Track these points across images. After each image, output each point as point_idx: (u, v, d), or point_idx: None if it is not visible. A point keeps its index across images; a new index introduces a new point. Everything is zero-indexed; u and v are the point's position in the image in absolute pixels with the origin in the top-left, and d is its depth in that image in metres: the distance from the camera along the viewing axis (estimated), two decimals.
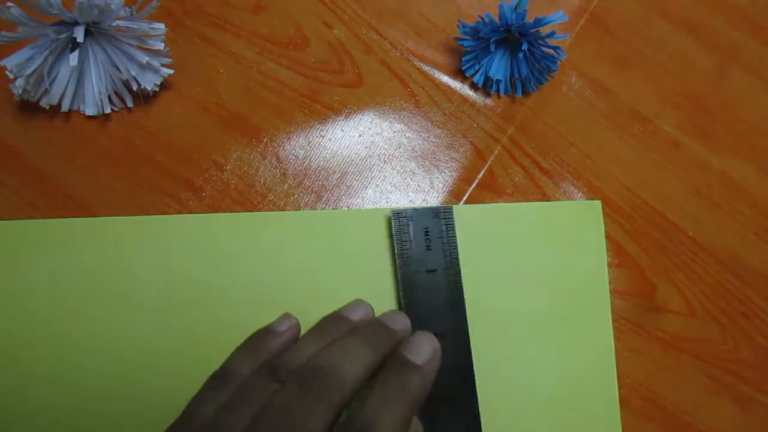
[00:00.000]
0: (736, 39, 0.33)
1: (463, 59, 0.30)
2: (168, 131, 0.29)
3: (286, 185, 0.29)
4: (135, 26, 0.26)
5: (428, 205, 0.29)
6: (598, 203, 0.30)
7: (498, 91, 0.31)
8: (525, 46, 0.27)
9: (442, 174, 0.30)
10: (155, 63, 0.27)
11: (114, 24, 0.26)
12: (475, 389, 0.26)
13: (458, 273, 0.27)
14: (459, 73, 0.31)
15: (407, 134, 0.30)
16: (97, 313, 0.27)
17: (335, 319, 0.26)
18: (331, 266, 0.28)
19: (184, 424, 0.22)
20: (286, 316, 0.26)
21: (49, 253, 0.27)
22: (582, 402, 0.28)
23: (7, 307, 0.26)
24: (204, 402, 0.22)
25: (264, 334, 0.25)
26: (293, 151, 0.30)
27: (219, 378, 0.23)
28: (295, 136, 0.30)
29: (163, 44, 0.27)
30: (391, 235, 0.28)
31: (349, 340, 0.23)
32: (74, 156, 0.29)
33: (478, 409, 0.26)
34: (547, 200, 0.30)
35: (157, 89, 0.28)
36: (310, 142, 0.30)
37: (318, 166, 0.30)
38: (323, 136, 0.30)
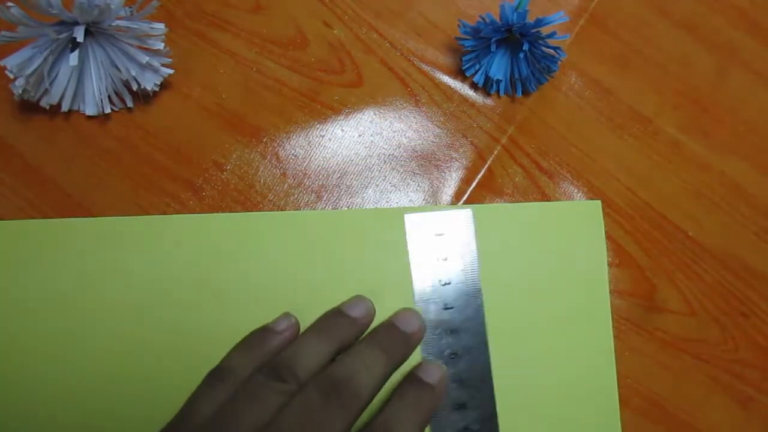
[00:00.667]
0: (736, 39, 0.33)
1: (464, 59, 0.30)
2: (168, 131, 0.29)
3: (286, 185, 0.29)
4: (135, 26, 0.26)
5: (428, 205, 0.29)
6: (598, 203, 0.30)
7: (498, 91, 0.31)
8: (526, 47, 0.27)
9: (442, 174, 0.30)
10: (155, 63, 0.27)
11: (114, 24, 0.26)
12: (493, 388, 0.27)
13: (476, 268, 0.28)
14: (459, 73, 0.31)
15: (407, 134, 0.30)
16: (97, 313, 0.27)
17: (335, 315, 0.26)
18: (331, 266, 0.28)
19: (183, 422, 0.22)
20: (285, 316, 0.26)
21: (49, 253, 0.27)
22: (582, 402, 0.28)
23: (7, 307, 0.26)
24: (202, 400, 0.22)
25: (262, 332, 0.25)
26: (293, 151, 0.30)
27: (217, 376, 0.23)
28: (294, 136, 0.30)
29: (163, 44, 0.27)
30: (391, 235, 0.28)
31: (366, 350, 0.24)
32: (74, 156, 0.29)
33: (495, 408, 0.27)
34: (547, 200, 0.30)
35: (157, 89, 0.28)
36: (309, 142, 0.30)
37: (318, 166, 0.30)
38: (323, 136, 0.30)
